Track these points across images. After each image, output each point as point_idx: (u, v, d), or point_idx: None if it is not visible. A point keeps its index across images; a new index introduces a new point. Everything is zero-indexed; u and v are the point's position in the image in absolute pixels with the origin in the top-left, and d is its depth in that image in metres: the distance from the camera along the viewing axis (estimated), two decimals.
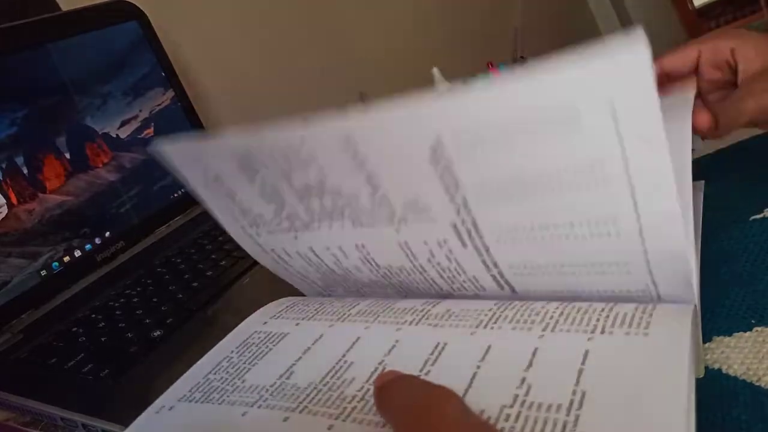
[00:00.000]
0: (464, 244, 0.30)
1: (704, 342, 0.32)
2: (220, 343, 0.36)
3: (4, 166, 0.56)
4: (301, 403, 0.28)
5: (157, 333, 0.48)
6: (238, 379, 0.32)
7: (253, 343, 0.35)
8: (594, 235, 0.27)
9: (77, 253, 0.60)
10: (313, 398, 0.28)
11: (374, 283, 0.37)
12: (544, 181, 0.26)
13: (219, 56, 0.91)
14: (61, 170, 0.60)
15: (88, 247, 0.60)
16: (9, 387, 0.45)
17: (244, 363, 0.33)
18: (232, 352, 0.35)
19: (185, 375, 0.34)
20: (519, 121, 0.24)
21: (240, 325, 0.38)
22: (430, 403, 0.22)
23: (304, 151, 0.29)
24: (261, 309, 0.39)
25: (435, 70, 1.01)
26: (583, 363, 0.25)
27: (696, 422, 0.22)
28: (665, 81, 0.42)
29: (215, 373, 0.33)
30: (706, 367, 0.31)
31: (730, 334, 0.32)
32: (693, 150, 0.31)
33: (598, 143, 0.23)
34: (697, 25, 3.24)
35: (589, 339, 0.27)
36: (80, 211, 0.61)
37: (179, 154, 0.33)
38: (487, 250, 0.30)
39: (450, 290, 0.34)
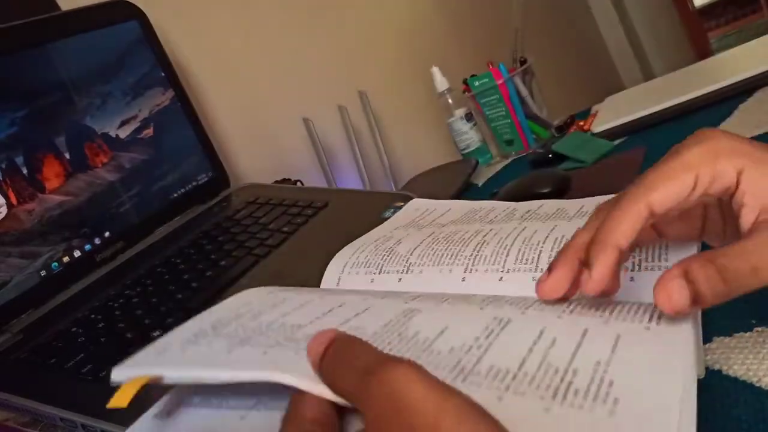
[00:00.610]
0: None
1: (705, 342, 0.32)
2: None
3: (3, 166, 0.56)
4: None
5: (156, 333, 0.48)
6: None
7: None
8: None
9: (77, 254, 0.60)
10: None
11: None
12: None
13: (219, 56, 0.90)
14: (61, 170, 0.60)
15: (87, 247, 0.60)
16: (8, 387, 0.45)
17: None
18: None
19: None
20: None
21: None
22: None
23: None
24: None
25: (435, 70, 1.01)
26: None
27: (696, 423, 0.22)
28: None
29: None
30: (707, 368, 0.31)
31: (730, 335, 0.32)
32: None
33: None
34: (697, 25, 3.24)
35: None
36: (80, 211, 0.61)
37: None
38: None
39: None
